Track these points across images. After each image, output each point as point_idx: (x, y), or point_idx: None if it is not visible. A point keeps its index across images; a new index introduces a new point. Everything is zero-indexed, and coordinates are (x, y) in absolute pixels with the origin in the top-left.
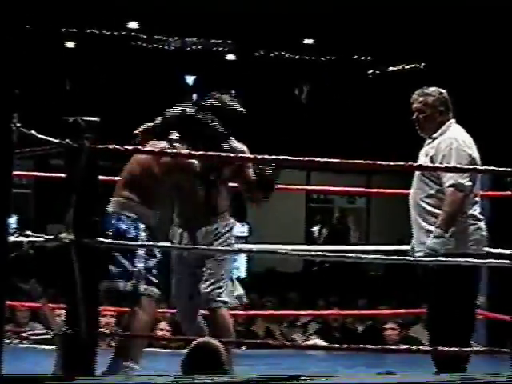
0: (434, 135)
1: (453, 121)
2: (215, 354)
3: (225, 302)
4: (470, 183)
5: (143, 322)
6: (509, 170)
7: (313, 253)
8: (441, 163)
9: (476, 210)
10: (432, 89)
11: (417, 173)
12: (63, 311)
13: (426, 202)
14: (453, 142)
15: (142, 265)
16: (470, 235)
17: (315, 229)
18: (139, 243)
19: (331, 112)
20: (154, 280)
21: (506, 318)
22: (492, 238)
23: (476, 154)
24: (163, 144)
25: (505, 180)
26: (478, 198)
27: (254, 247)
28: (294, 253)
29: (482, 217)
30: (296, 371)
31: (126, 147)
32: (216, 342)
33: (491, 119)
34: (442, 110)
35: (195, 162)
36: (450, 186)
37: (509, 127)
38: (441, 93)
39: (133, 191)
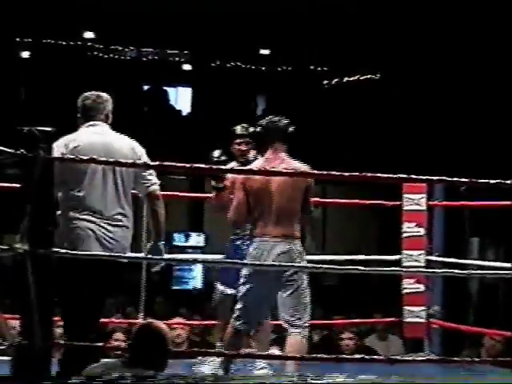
0: None
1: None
2: (160, 334)
3: None
4: None
5: None
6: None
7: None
8: None
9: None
10: None
11: None
12: (18, 322)
13: None
14: None
15: None
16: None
17: None
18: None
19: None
20: None
21: (461, 328)
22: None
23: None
24: None
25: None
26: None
27: (210, 257)
28: (249, 263)
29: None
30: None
31: (80, 157)
32: (162, 324)
33: (446, 128)
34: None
35: None
36: None
37: (462, 135)
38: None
39: None
